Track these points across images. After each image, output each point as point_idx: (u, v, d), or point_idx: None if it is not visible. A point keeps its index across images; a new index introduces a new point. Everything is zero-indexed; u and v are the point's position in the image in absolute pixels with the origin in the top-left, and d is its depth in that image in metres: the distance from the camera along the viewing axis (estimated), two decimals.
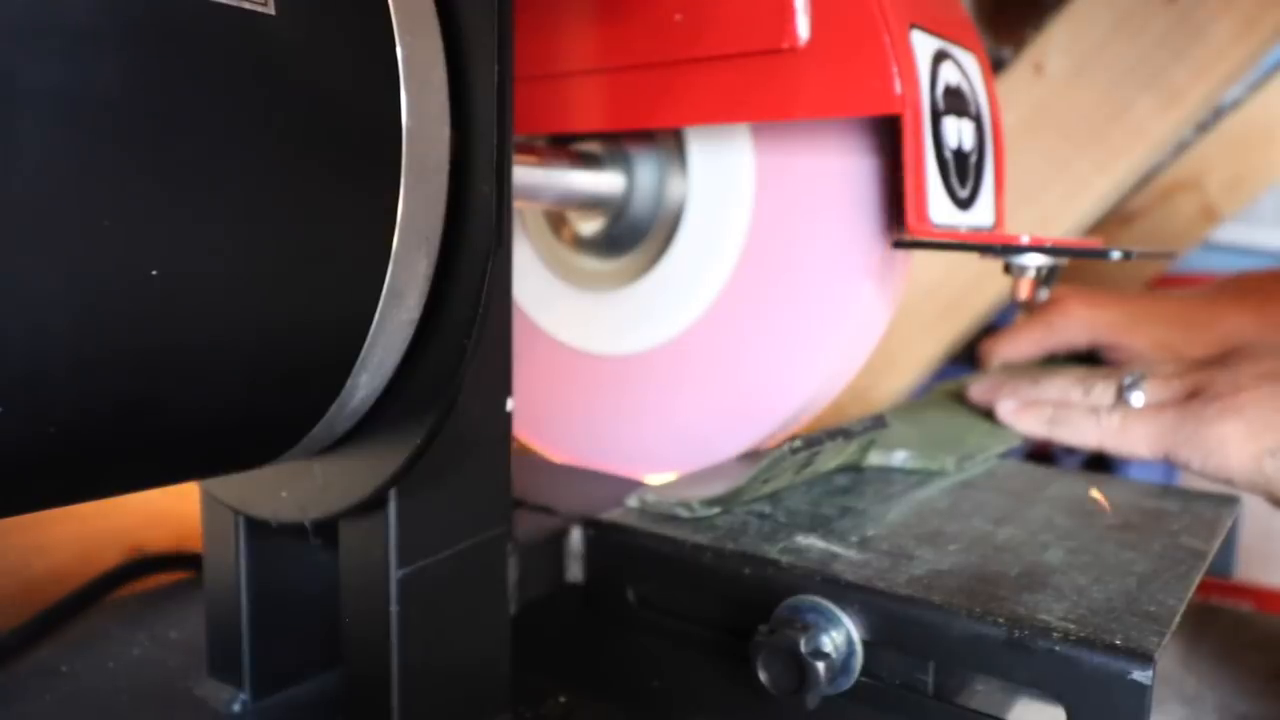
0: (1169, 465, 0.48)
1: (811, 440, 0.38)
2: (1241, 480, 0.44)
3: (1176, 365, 0.53)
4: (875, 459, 0.45)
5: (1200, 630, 0.46)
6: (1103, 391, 0.51)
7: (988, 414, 0.53)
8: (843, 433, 0.40)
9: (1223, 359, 0.51)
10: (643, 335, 0.46)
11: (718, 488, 0.39)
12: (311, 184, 0.24)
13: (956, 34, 0.41)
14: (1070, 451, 0.87)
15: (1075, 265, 0.41)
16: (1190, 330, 0.66)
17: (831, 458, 0.41)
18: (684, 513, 0.38)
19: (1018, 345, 0.67)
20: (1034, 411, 0.51)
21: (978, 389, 0.55)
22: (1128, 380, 0.51)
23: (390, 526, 0.30)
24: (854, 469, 0.44)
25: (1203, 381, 0.49)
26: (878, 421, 0.42)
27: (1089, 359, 0.67)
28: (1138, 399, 0.50)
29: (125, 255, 0.21)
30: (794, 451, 0.37)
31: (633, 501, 0.39)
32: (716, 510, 0.38)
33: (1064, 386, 0.53)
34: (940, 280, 0.91)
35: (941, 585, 0.30)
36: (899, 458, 0.45)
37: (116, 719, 0.35)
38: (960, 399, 0.56)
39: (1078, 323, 0.66)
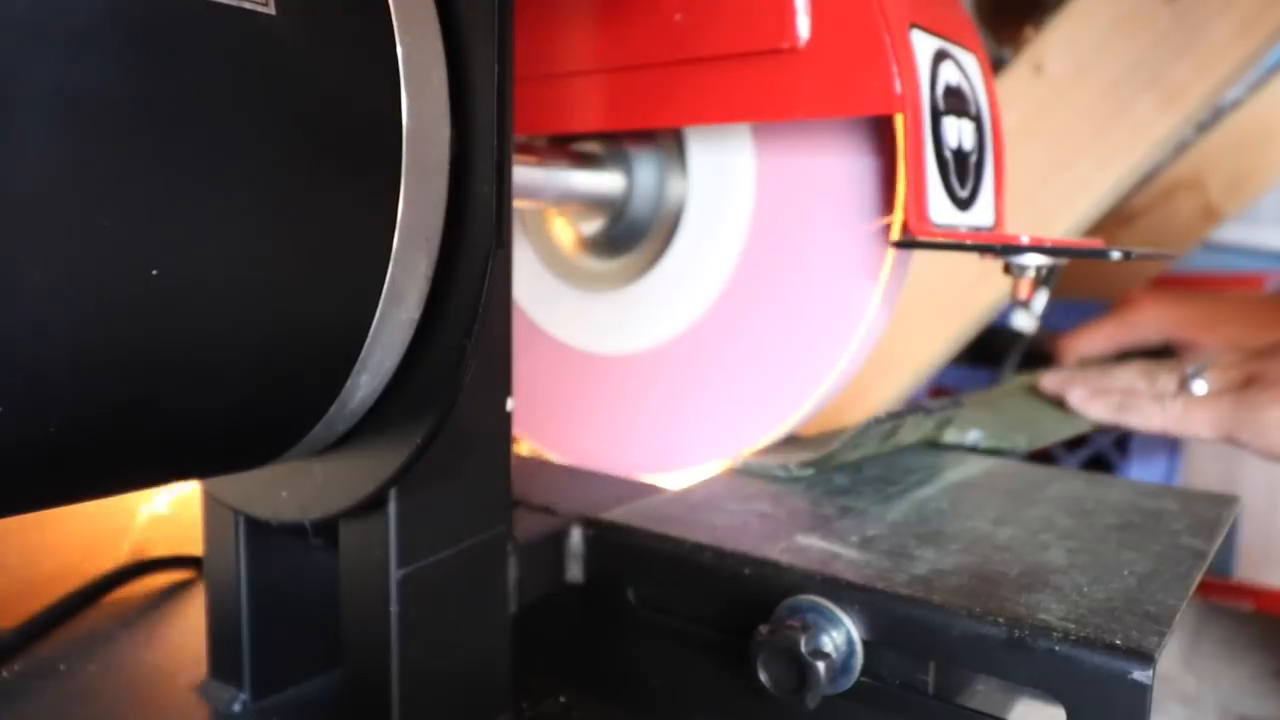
0: (1231, 446, 0.54)
1: (895, 414, 0.42)
2: None
3: (1233, 355, 0.57)
4: (951, 436, 0.48)
5: (1200, 630, 0.46)
6: (1167, 381, 0.56)
7: (1059, 404, 0.58)
8: (923, 409, 0.44)
9: (1275, 350, 0.56)
10: (642, 335, 0.46)
11: (809, 454, 0.42)
12: (311, 184, 0.24)
13: (956, 34, 0.41)
14: (1071, 452, 0.87)
15: (1076, 265, 0.41)
16: (1260, 328, 0.69)
17: (912, 431, 0.45)
18: (781, 473, 0.42)
19: (1094, 341, 0.72)
20: (1103, 399, 0.56)
21: (1051, 380, 0.59)
22: (1190, 370, 0.56)
23: (390, 526, 0.30)
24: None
25: (1257, 370, 0.54)
26: (955, 402, 0.47)
27: (1162, 356, 0.69)
28: (1199, 387, 0.55)
29: (126, 255, 0.21)
30: (879, 422, 0.41)
31: (737, 465, 0.43)
32: (811, 471, 0.42)
33: (1131, 376, 0.58)
34: (940, 280, 0.91)
35: (942, 585, 0.30)
36: (973, 437, 0.48)
37: (117, 719, 0.35)
38: (1032, 391, 0.60)
39: (1153, 320, 0.71)
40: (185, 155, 0.21)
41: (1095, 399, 0.56)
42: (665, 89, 0.41)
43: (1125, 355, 0.71)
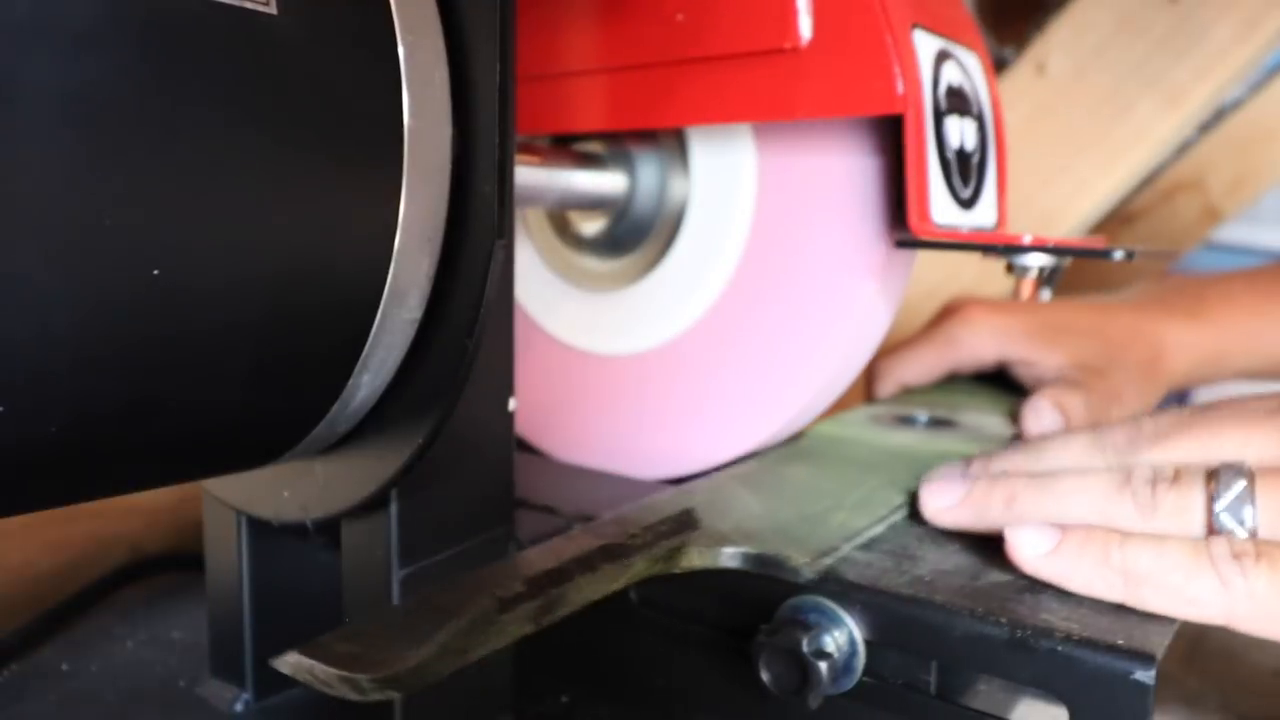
0: None
1: (515, 597, 0.25)
2: None
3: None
4: (697, 561, 0.32)
5: (1202, 629, 0.46)
6: (1180, 496, 0.30)
7: (881, 458, 0.42)
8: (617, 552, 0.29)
9: None
10: (644, 335, 0.46)
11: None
12: (313, 184, 0.24)
13: (959, 33, 0.41)
14: None
15: (1076, 267, 0.40)
16: (1117, 345, 0.56)
17: (590, 591, 0.29)
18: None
19: (918, 363, 0.57)
20: (1096, 562, 0.29)
21: (943, 497, 0.34)
22: (1223, 487, 0.30)
23: (392, 526, 0.30)
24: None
25: None
26: (684, 521, 0.32)
27: (996, 379, 0.58)
28: (1261, 517, 0.29)
29: (127, 255, 0.21)
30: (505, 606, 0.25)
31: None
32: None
33: (1099, 490, 0.32)
34: (942, 281, 0.91)
35: (944, 585, 0.30)
36: (728, 556, 0.32)
37: (119, 719, 0.35)
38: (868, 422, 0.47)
39: (984, 333, 0.57)
40: (186, 155, 0.21)
41: (1079, 558, 0.29)
42: (667, 89, 0.41)
43: (954, 378, 0.58)
